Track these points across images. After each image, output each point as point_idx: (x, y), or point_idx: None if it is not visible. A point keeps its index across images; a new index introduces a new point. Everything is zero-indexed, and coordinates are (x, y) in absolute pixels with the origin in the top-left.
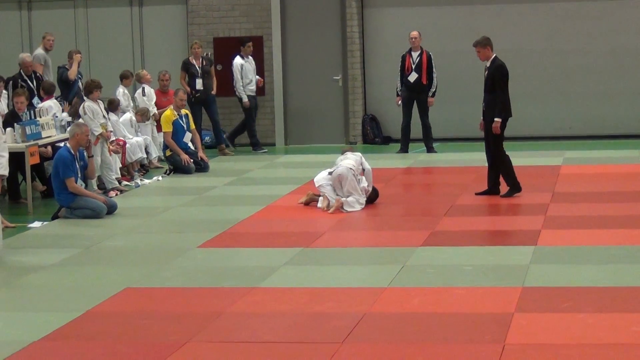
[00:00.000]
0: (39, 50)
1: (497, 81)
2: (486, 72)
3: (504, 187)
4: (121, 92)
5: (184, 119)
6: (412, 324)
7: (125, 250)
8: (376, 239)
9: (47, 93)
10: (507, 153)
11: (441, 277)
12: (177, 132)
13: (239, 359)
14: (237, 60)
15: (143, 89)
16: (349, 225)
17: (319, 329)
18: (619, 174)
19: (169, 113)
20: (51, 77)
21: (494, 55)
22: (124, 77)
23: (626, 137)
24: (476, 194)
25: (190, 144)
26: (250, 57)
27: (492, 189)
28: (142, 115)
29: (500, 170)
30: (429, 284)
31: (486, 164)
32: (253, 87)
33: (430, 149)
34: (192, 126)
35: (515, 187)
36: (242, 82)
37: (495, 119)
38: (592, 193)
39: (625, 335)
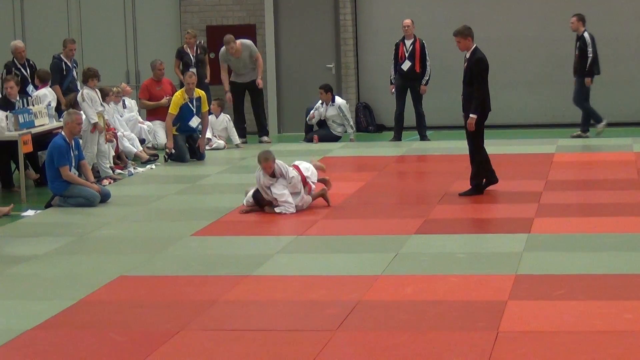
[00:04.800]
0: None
1: (475, 75)
2: (465, 64)
3: (498, 173)
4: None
5: (194, 103)
6: (405, 311)
7: (118, 238)
8: (369, 226)
9: (42, 81)
10: (486, 151)
11: (435, 264)
12: (184, 115)
13: (232, 347)
14: None
15: (123, 101)
16: (342, 213)
17: (313, 317)
18: (612, 161)
19: (179, 96)
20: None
21: (475, 45)
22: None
23: (619, 124)
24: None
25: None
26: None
27: (490, 180)
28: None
29: (472, 165)
30: (423, 271)
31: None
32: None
33: (423, 137)
34: (204, 109)
35: (477, 190)
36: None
37: (471, 115)
38: (586, 181)
39: (618, 323)
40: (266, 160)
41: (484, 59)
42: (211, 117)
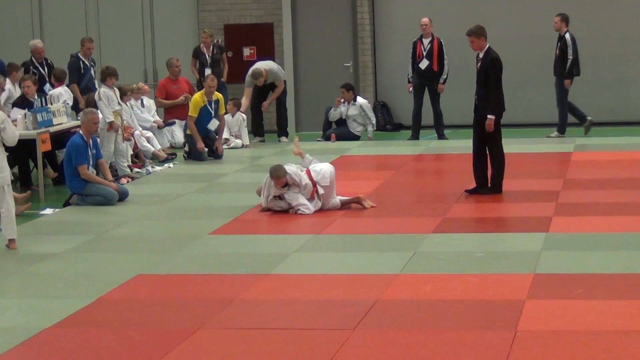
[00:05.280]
0: None
1: (490, 75)
2: (479, 64)
3: (516, 172)
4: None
5: (212, 105)
6: (423, 310)
7: (136, 237)
8: (388, 225)
9: (58, 80)
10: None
11: (453, 263)
12: (203, 118)
13: (250, 345)
14: None
15: (142, 100)
16: (360, 212)
17: (331, 316)
18: (631, 160)
19: (198, 98)
20: None
21: (488, 45)
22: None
23: (637, 123)
24: (466, 191)
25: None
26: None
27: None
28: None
29: (492, 165)
30: (441, 270)
31: None
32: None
33: (441, 136)
34: (222, 111)
35: (497, 189)
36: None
37: (489, 116)
38: (604, 180)
39: (637, 322)
40: (278, 178)
41: (499, 59)
42: (227, 117)
